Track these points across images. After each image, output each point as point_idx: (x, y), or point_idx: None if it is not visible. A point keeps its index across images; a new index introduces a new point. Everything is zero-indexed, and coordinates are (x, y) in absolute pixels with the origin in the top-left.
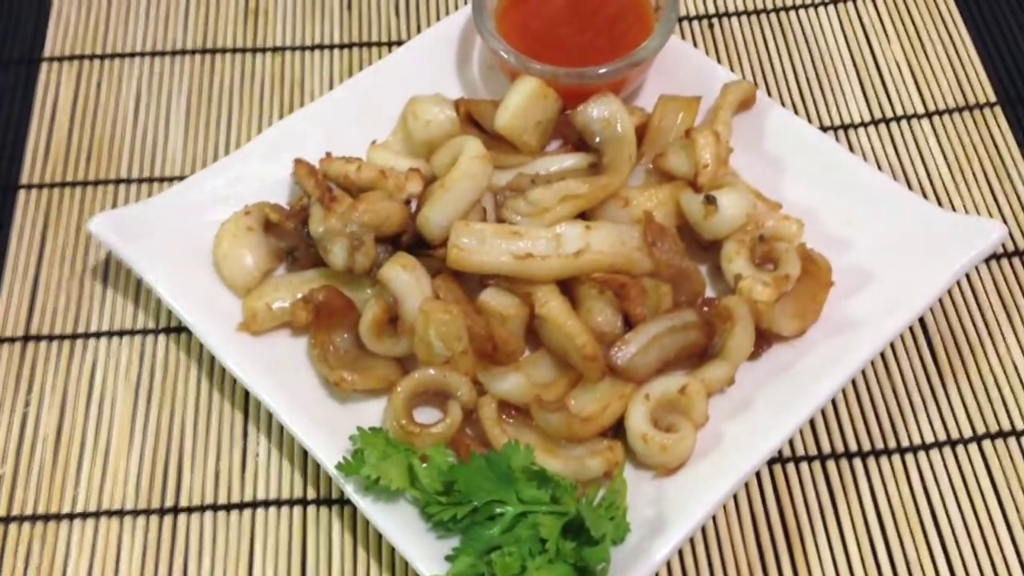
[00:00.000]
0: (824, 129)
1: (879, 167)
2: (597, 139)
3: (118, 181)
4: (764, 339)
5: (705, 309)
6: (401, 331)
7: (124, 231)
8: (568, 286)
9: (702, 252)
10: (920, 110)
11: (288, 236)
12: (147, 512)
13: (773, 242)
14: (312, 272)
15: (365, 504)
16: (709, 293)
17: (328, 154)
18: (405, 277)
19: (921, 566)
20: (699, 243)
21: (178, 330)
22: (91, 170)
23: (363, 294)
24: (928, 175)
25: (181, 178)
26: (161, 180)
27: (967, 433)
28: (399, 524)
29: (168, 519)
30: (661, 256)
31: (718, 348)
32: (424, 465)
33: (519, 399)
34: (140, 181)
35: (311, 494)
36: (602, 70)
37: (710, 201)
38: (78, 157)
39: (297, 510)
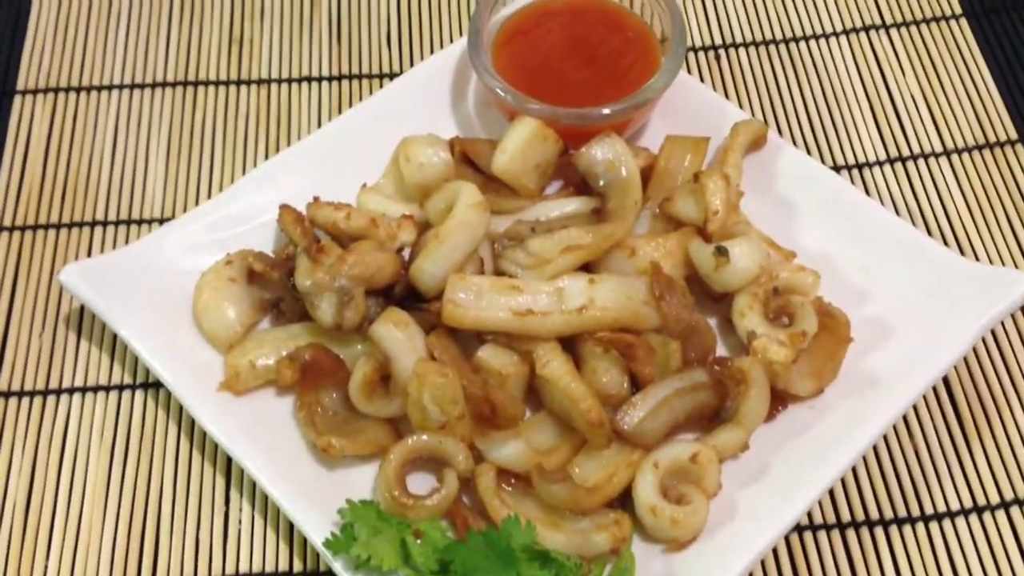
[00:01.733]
0: (838, 168)
1: (896, 208)
2: (601, 182)
3: (94, 223)
4: (779, 399)
5: (717, 368)
6: (393, 392)
7: (97, 282)
8: (571, 342)
9: (712, 303)
10: (938, 148)
11: (273, 286)
12: None
13: (788, 295)
14: (299, 326)
15: None
16: (720, 347)
17: (316, 198)
18: (397, 335)
19: None
20: (709, 294)
21: (156, 385)
22: (65, 211)
23: (353, 350)
24: (947, 216)
25: (161, 220)
26: (140, 222)
27: (994, 499)
28: None
29: None
30: (669, 311)
31: (731, 412)
32: (418, 541)
33: (519, 467)
34: (118, 223)
35: (297, 567)
36: (606, 111)
37: (721, 252)
38: (52, 197)
39: None
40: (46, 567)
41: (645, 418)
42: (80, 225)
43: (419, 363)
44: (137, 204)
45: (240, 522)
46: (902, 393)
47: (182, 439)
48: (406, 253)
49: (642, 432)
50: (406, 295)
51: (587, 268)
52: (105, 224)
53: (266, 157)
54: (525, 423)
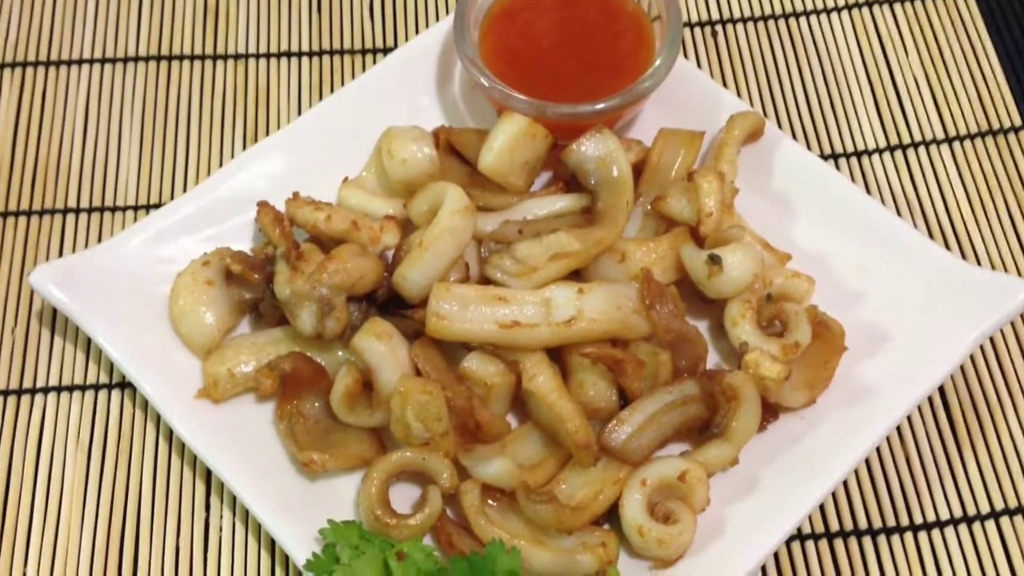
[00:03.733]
0: (836, 156)
1: (894, 199)
2: (592, 180)
3: (66, 211)
4: (771, 411)
5: (708, 381)
6: (376, 403)
7: (69, 284)
8: (558, 352)
9: (703, 305)
10: (940, 135)
11: (252, 287)
12: None
13: (782, 303)
14: (279, 331)
15: None
16: (711, 350)
17: (295, 194)
18: (380, 348)
19: None
20: (700, 296)
21: (133, 385)
22: (36, 197)
23: (334, 356)
24: (947, 208)
25: (136, 208)
26: (114, 210)
27: (985, 509)
28: None
29: None
30: (660, 320)
31: (721, 428)
32: (401, 562)
33: (504, 485)
34: (91, 211)
35: None
36: (599, 106)
37: (714, 261)
38: (21, 181)
39: None
40: (24, 573)
41: (633, 435)
42: (52, 212)
43: (402, 380)
44: (111, 190)
45: (221, 529)
46: (896, 404)
47: (160, 441)
48: (389, 254)
49: (629, 449)
50: (389, 299)
51: (576, 272)
52: (78, 212)
53: (244, 138)
54: (510, 436)
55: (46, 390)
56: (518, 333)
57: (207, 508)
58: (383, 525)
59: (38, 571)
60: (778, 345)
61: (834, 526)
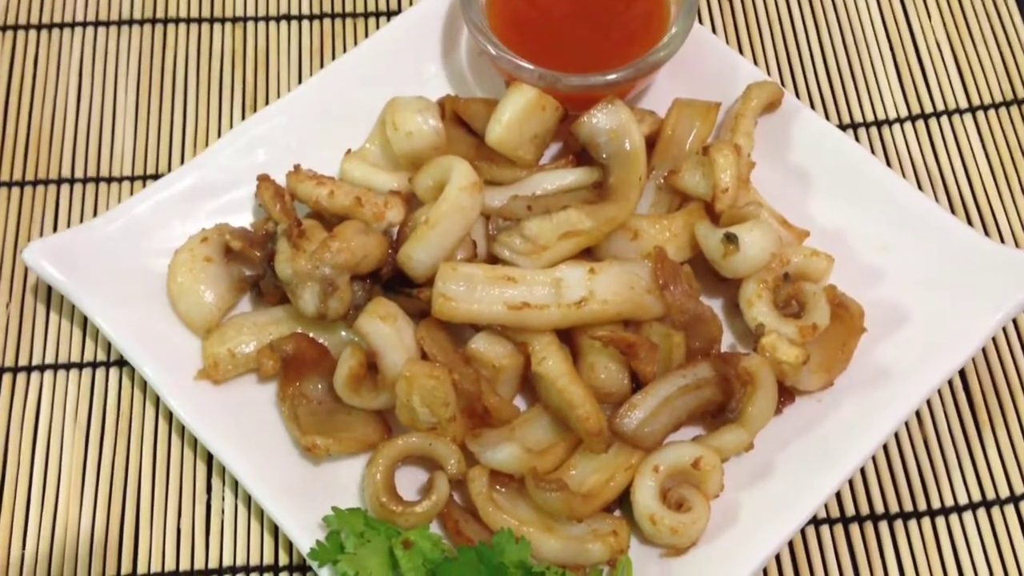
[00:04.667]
0: (856, 126)
1: (915, 171)
2: (603, 154)
3: (60, 181)
4: (787, 394)
5: (723, 363)
6: (381, 386)
7: (64, 261)
8: (568, 333)
9: (717, 284)
10: (963, 104)
11: (252, 264)
12: None
13: (799, 282)
14: (280, 309)
15: None
16: (726, 330)
17: (296, 167)
18: (385, 330)
19: None
20: (714, 275)
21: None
22: (29, 167)
23: (337, 336)
24: (970, 181)
25: (132, 178)
26: (109, 180)
27: (1004, 493)
28: None
29: None
30: (674, 301)
31: (736, 413)
32: (407, 551)
33: (513, 471)
34: (85, 181)
35: (283, 560)
36: (611, 76)
37: (731, 240)
38: (14, 151)
39: None
40: (23, 556)
41: (646, 420)
42: (45, 183)
43: (408, 364)
44: (105, 159)
45: (223, 512)
46: (915, 387)
47: (160, 421)
48: (394, 231)
49: (642, 435)
50: (393, 277)
51: (587, 250)
52: (72, 182)
53: (243, 105)
54: (519, 419)
55: (42, 368)
56: (527, 315)
57: (208, 490)
58: (389, 512)
59: (36, 552)
60: (795, 327)
61: (850, 511)
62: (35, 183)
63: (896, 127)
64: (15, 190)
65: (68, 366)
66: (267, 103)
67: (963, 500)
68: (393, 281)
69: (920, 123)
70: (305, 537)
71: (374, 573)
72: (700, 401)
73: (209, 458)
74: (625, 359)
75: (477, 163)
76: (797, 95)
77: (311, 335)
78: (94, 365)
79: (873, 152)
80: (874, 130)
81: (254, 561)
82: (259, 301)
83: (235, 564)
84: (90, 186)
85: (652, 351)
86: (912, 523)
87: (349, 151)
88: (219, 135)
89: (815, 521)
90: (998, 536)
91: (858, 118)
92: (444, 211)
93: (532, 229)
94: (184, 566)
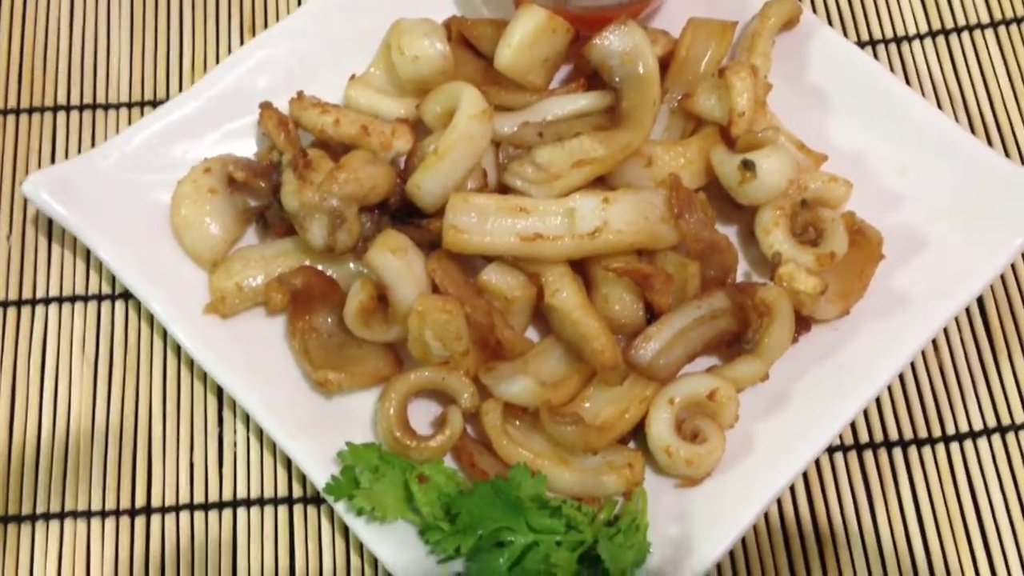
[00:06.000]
0: (875, 43)
1: (935, 89)
2: (616, 78)
3: (56, 108)
4: (803, 323)
5: (738, 293)
6: (392, 319)
7: (65, 193)
8: (582, 263)
9: (732, 211)
10: (985, 18)
11: (257, 194)
12: (116, 513)
13: (817, 209)
14: (288, 242)
15: (357, 525)
16: (741, 259)
17: (300, 94)
18: (395, 263)
19: (962, 571)
20: (729, 201)
21: None
22: (24, 95)
23: (346, 268)
24: (990, 100)
25: (128, 104)
26: (107, 107)
27: (1020, 419)
28: (395, 547)
29: (140, 521)
30: (689, 230)
31: (752, 344)
32: (422, 485)
33: (527, 403)
34: (82, 108)
35: (296, 491)
36: None
37: (748, 167)
38: (7, 78)
39: (282, 510)
40: (36, 495)
41: (661, 351)
42: (41, 111)
43: (420, 298)
44: (102, 86)
45: (235, 445)
46: (933, 316)
47: (169, 354)
48: (402, 160)
49: (657, 367)
50: (402, 207)
51: (600, 178)
52: (68, 109)
53: (241, 27)
54: (532, 352)
55: (47, 301)
56: (540, 246)
57: (220, 423)
58: (403, 447)
59: (49, 491)
60: (813, 255)
61: (864, 438)
62: (30, 111)
63: (916, 43)
64: (10, 118)
65: (73, 299)
66: (267, 26)
67: (978, 426)
68: (402, 211)
69: (940, 39)
70: (319, 470)
71: (390, 507)
72: (715, 332)
73: (219, 391)
74: (639, 290)
75: (486, 88)
76: (814, 10)
77: (319, 267)
78: (99, 298)
79: (892, 70)
80: (893, 47)
81: (268, 493)
82: (265, 232)
83: (249, 496)
84: (87, 113)
85: (667, 282)
86: (927, 449)
87: (353, 76)
88: (218, 59)
89: (830, 449)
90: (1012, 461)
91: (877, 35)
92: (453, 140)
93: (544, 157)
94: (199, 498)
